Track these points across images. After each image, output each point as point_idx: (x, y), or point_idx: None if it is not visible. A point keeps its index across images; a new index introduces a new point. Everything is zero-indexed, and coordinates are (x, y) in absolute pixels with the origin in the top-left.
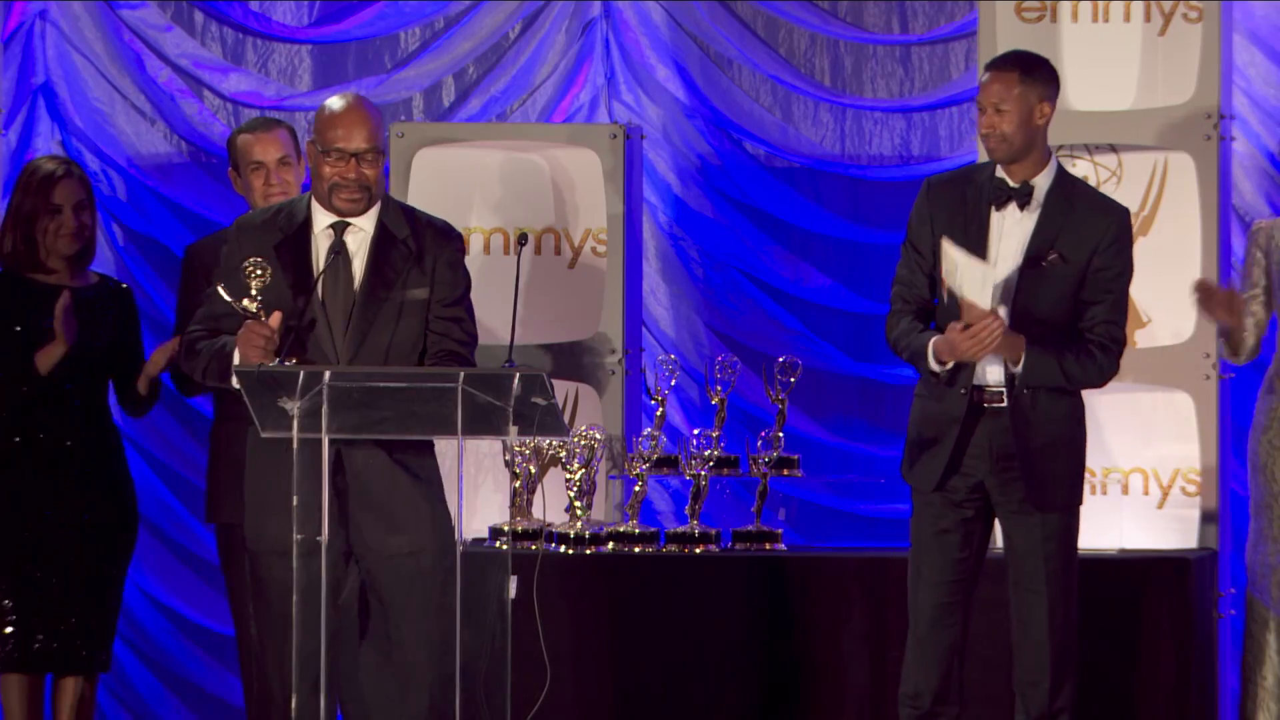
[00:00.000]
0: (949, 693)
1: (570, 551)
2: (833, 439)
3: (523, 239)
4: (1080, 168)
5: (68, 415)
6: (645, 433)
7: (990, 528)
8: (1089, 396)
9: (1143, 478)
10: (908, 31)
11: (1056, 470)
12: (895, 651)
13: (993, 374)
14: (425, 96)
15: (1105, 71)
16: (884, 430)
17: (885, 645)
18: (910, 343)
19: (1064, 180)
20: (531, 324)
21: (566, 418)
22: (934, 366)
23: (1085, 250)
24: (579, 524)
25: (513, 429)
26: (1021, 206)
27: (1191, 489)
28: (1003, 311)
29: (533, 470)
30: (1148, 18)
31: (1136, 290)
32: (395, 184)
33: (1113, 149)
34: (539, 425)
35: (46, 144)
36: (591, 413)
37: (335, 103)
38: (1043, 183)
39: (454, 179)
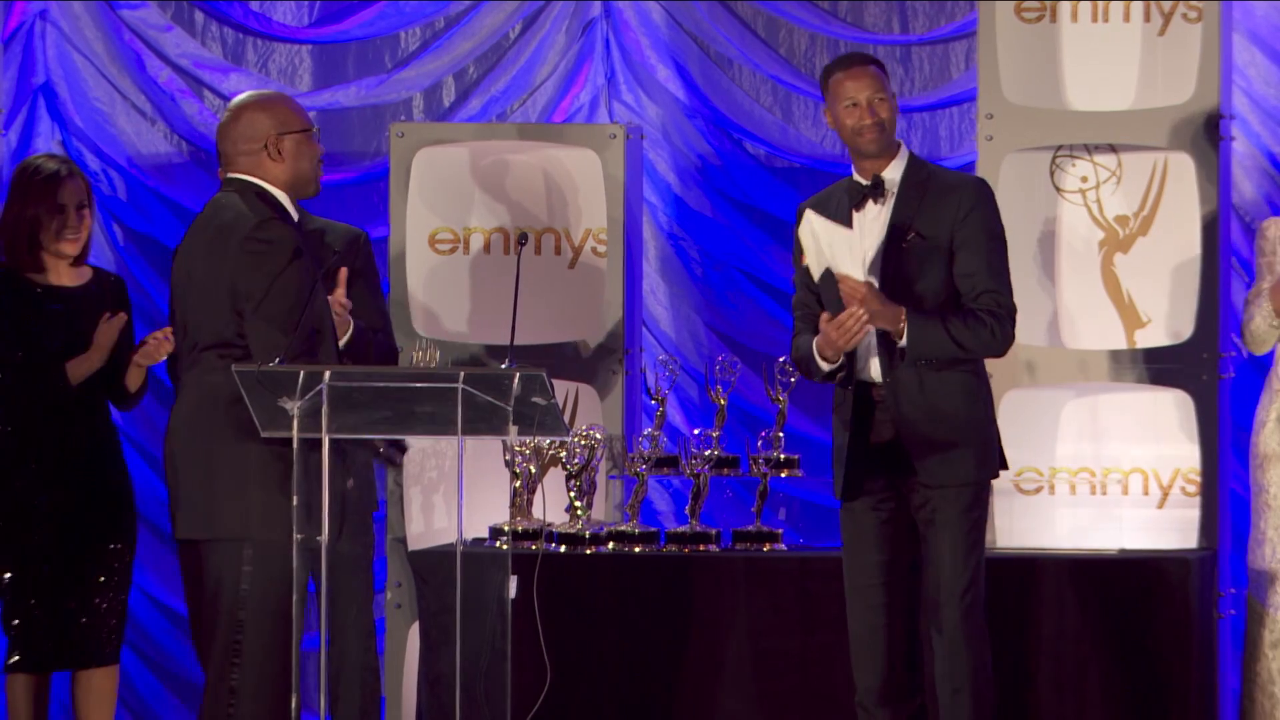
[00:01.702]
0: (893, 692)
1: (570, 551)
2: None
3: (523, 239)
4: (1080, 168)
5: (67, 410)
6: (645, 433)
7: (913, 523)
8: (1090, 397)
9: (1142, 478)
10: (908, 31)
11: (956, 447)
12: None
13: (874, 368)
14: (425, 96)
15: (1105, 71)
16: None
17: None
18: (800, 352)
19: (915, 168)
20: (531, 324)
21: (566, 417)
22: (823, 366)
23: (945, 228)
24: (579, 524)
25: (513, 429)
26: (877, 200)
27: (1191, 489)
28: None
29: (533, 470)
30: (1147, 18)
31: (1136, 290)
32: (395, 184)
33: (1112, 149)
34: (539, 425)
35: (47, 144)
36: (592, 412)
37: None
38: (893, 174)
39: (454, 179)
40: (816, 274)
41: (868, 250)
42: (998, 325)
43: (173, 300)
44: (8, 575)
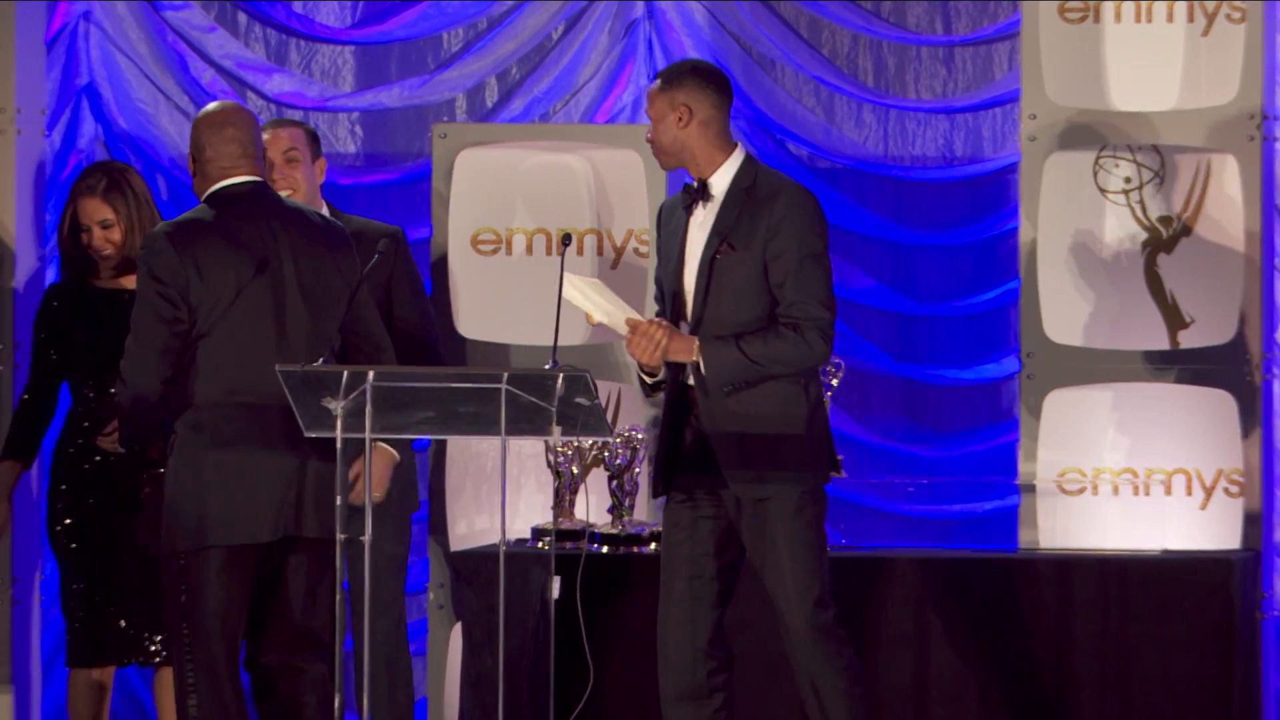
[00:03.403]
0: (691, 692)
1: (613, 552)
2: (875, 439)
3: (566, 239)
4: (1123, 168)
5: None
6: None
7: (730, 525)
8: (1133, 398)
9: (1185, 479)
10: (951, 32)
11: (770, 456)
12: (937, 652)
13: (691, 373)
14: (468, 97)
15: (1148, 72)
16: (926, 431)
17: (926, 645)
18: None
19: (745, 173)
20: (574, 324)
21: (609, 418)
22: (645, 379)
23: (759, 238)
24: (621, 524)
25: (556, 429)
26: (704, 206)
27: (1234, 490)
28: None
29: (575, 471)
30: (1191, 18)
31: (1179, 290)
32: (438, 185)
33: (1156, 149)
34: (582, 426)
35: (90, 145)
36: (634, 413)
37: None
38: (720, 180)
39: (497, 180)
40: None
41: (690, 260)
42: (800, 337)
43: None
44: (77, 586)
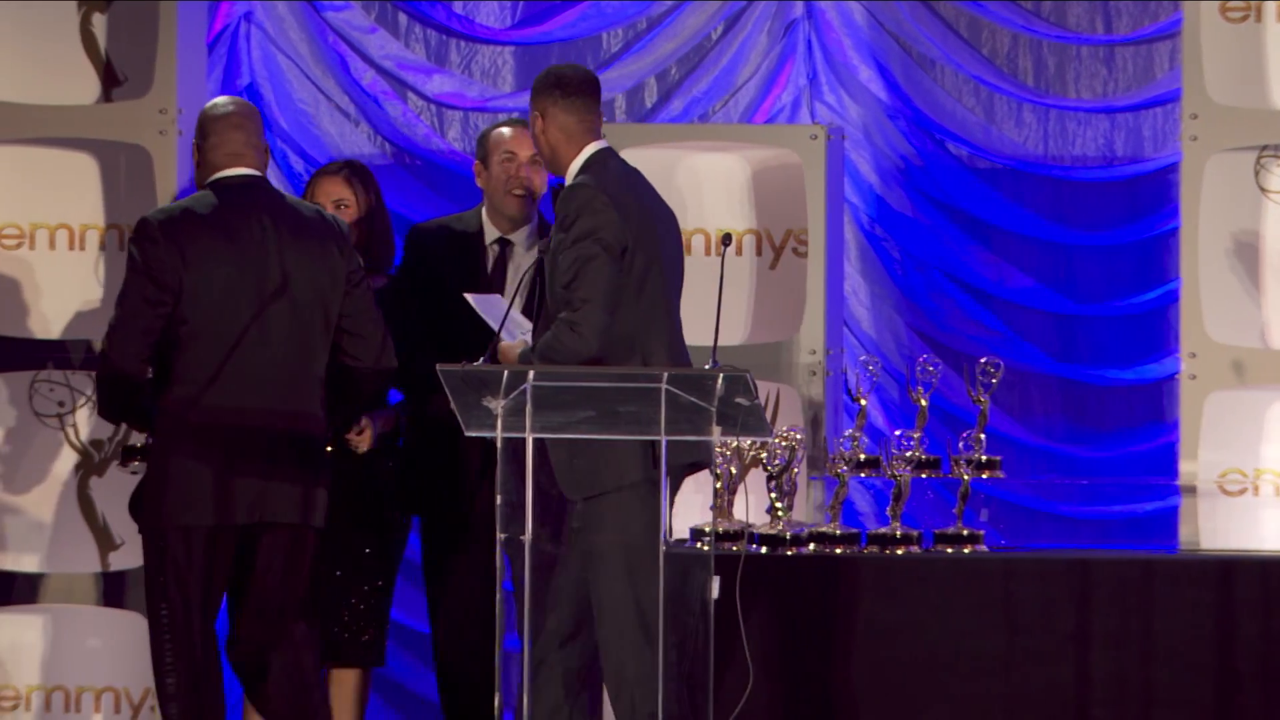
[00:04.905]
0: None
1: (772, 552)
2: (1034, 439)
3: (726, 239)
4: None
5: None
6: (846, 433)
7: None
8: (1238, 398)
9: None
10: (1112, 31)
11: (571, 463)
12: (1100, 653)
13: None
14: (627, 97)
15: None
16: (1087, 431)
17: (1089, 646)
18: None
19: (577, 173)
20: (733, 324)
21: (768, 418)
22: None
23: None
24: (780, 525)
25: (716, 429)
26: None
27: None
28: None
29: (734, 471)
30: None
31: None
32: None
33: None
34: (742, 426)
35: None
36: (793, 413)
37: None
38: (568, 181)
39: (655, 180)
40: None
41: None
42: (558, 334)
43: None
44: None
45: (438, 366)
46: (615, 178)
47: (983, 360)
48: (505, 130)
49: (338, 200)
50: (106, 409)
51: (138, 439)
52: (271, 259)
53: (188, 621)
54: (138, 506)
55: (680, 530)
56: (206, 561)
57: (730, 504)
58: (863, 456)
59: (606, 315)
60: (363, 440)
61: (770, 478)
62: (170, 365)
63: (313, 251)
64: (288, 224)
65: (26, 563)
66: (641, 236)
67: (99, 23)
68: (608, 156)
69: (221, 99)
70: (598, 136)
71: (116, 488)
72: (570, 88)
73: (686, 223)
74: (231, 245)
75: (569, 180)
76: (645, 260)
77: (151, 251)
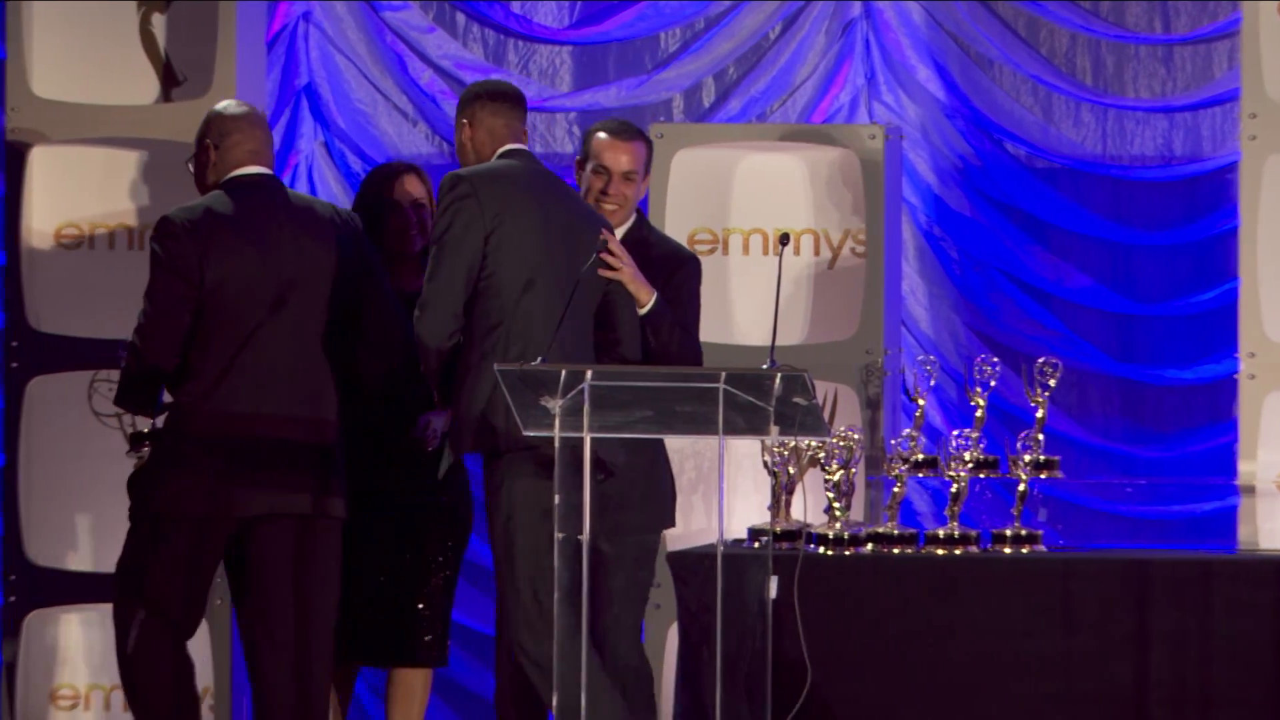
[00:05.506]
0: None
1: (830, 553)
2: (1093, 440)
3: (784, 239)
4: None
5: (399, 404)
6: (904, 433)
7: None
8: None
9: None
10: (1170, 31)
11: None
12: (1158, 653)
13: None
14: (685, 97)
15: None
16: (1146, 431)
17: (1147, 646)
18: None
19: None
20: (791, 324)
21: (825, 418)
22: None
23: None
24: (838, 525)
25: (774, 429)
26: None
27: None
28: None
29: (791, 471)
30: None
31: None
32: (654, 184)
33: None
34: (800, 425)
35: (309, 145)
36: (851, 413)
37: None
38: None
39: (713, 179)
40: None
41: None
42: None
43: None
44: None
45: (496, 366)
46: (499, 167)
47: (1041, 360)
48: (603, 136)
49: (415, 200)
50: (126, 399)
51: (144, 424)
52: (288, 256)
53: (162, 611)
54: (135, 487)
55: (738, 530)
56: (193, 553)
57: (788, 504)
58: (920, 457)
59: (447, 304)
60: (431, 438)
61: (828, 477)
62: (185, 359)
63: (328, 248)
64: (304, 222)
65: (86, 562)
66: (516, 222)
67: (158, 23)
68: (515, 154)
69: (228, 101)
70: (518, 141)
71: None
72: (497, 96)
73: (744, 222)
74: (250, 243)
75: None
76: (518, 251)
77: (175, 249)
